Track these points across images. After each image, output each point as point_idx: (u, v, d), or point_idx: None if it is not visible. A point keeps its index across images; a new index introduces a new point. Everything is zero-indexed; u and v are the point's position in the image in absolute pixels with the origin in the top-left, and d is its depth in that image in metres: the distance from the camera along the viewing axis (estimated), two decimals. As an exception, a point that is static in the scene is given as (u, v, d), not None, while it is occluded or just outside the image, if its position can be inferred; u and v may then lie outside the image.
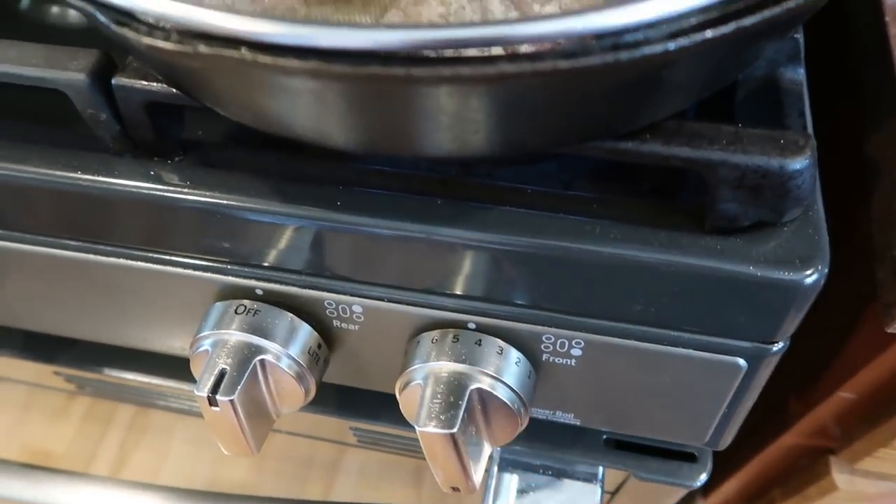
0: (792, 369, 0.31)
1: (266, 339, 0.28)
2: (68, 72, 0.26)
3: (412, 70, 0.16)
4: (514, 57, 0.16)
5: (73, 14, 0.39)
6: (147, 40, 0.16)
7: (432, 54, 0.16)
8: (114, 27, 0.17)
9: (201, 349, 0.29)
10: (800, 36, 0.28)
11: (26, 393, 0.65)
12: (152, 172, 0.28)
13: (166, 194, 0.27)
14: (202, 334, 0.29)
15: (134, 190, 0.27)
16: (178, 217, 0.28)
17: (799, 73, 0.28)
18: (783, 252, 0.25)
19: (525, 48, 0.16)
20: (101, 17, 0.17)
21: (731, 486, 0.56)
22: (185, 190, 0.27)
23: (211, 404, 0.27)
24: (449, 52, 0.16)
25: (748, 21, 0.16)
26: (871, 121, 0.34)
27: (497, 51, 0.16)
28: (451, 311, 0.28)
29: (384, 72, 0.16)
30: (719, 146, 0.23)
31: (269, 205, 0.27)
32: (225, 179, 0.27)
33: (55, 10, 0.39)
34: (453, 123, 0.19)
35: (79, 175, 0.28)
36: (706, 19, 0.16)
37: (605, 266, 0.25)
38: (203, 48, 0.16)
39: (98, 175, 0.28)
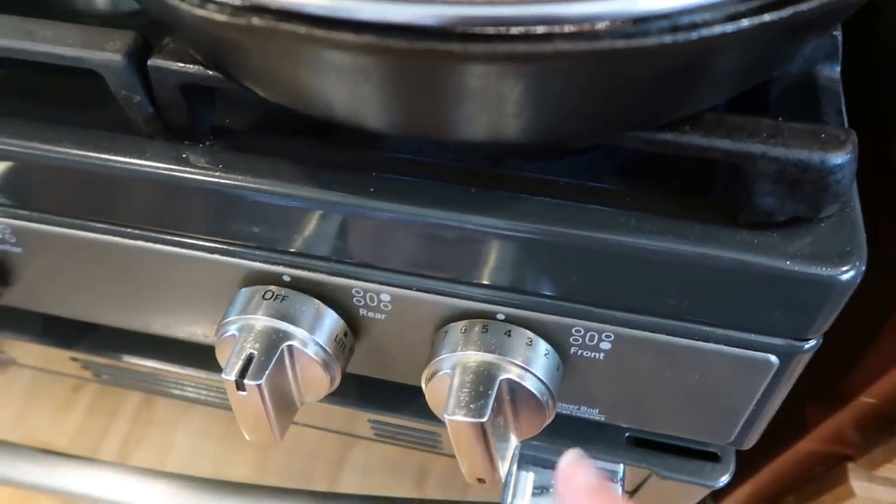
0: (811, 373, 0.31)
1: (294, 325, 0.28)
2: (105, 52, 0.26)
3: (469, 46, 0.15)
4: (570, 36, 0.16)
5: (100, 0, 0.39)
6: (200, 12, 0.16)
7: (489, 31, 0.16)
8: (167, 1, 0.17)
9: (228, 334, 0.29)
10: (838, 33, 0.28)
11: (30, 385, 0.65)
12: (183, 155, 0.28)
13: (197, 177, 0.27)
14: (229, 319, 0.29)
15: (164, 172, 0.27)
16: (207, 201, 0.28)
17: (836, 71, 0.28)
18: (820, 248, 0.25)
19: (576, 27, 0.16)
20: (154, -10, 0.17)
21: (743, 491, 0.55)
22: (217, 173, 0.27)
23: (238, 388, 0.27)
24: (504, 30, 0.16)
25: (805, 6, 0.16)
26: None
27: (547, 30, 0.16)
28: (480, 301, 0.28)
29: (440, 47, 0.15)
30: (760, 139, 0.23)
31: (302, 190, 0.27)
32: (256, 164, 0.27)
33: (83, -5, 0.39)
34: (498, 105, 0.19)
35: (110, 157, 0.28)
36: (763, 3, 0.16)
37: (639, 259, 0.25)
38: (257, 21, 0.16)
39: (129, 157, 0.28)
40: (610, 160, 0.30)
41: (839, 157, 0.23)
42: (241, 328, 0.28)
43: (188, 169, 0.27)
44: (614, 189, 0.27)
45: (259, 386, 0.26)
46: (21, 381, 0.65)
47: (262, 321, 0.28)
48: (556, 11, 0.16)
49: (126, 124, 0.28)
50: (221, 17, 0.16)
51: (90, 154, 0.28)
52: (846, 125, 0.27)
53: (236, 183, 0.27)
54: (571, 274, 0.27)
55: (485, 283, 0.28)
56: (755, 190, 0.24)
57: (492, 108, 0.18)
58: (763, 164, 0.23)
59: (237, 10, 0.16)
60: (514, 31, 0.16)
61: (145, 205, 0.29)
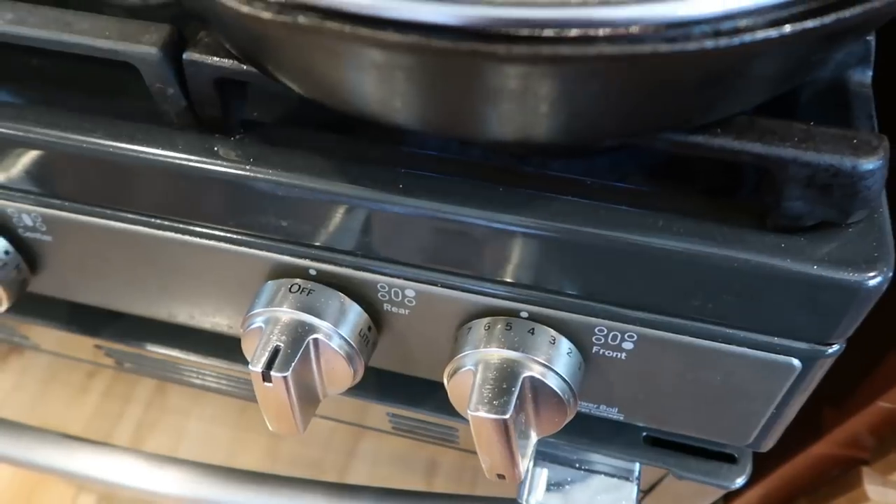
0: (828, 376, 0.31)
1: (319, 318, 0.28)
2: (140, 45, 0.26)
3: (513, 48, 0.16)
4: (614, 39, 0.16)
5: (129, -8, 0.39)
6: (246, 9, 0.17)
7: (533, 33, 0.16)
8: (213, -5, 0.17)
9: (254, 326, 0.29)
10: (871, 38, 0.28)
11: (46, 370, 0.65)
12: (215, 148, 0.28)
13: (227, 170, 0.27)
14: (255, 311, 0.29)
15: (195, 165, 0.28)
16: (237, 194, 0.28)
17: (867, 76, 0.28)
18: (848, 253, 0.25)
19: (621, 31, 0.16)
20: (200, -15, 0.17)
21: (755, 493, 0.55)
22: (247, 166, 0.27)
23: (265, 380, 0.27)
24: (547, 32, 0.16)
25: (848, 13, 0.16)
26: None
27: (596, 33, 0.16)
28: (505, 298, 0.28)
29: (485, 48, 0.16)
30: (791, 143, 0.23)
31: (331, 185, 0.27)
32: (286, 157, 0.28)
33: (112, -13, 0.40)
34: (536, 105, 0.19)
35: (142, 148, 0.28)
36: (806, 9, 0.16)
37: (666, 259, 0.25)
38: (302, 19, 0.16)
39: (161, 148, 0.28)
40: (636, 160, 0.30)
41: (871, 163, 0.23)
42: (268, 320, 0.29)
43: (219, 161, 0.28)
44: (640, 189, 0.27)
45: (285, 378, 0.27)
46: (37, 367, 0.66)
47: (288, 314, 0.28)
48: (600, 15, 0.16)
49: (156, 115, 0.28)
50: (267, 15, 0.16)
51: (123, 145, 0.28)
52: (877, 131, 0.27)
53: (266, 177, 0.27)
54: (596, 274, 0.27)
55: (509, 280, 0.28)
56: (785, 194, 0.24)
57: (530, 108, 0.19)
58: (794, 169, 0.23)
59: (283, 8, 0.16)
60: (557, 33, 0.16)
61: (175, 196, 0.29)
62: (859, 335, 0.29)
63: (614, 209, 0.26)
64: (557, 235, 0.26)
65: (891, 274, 0.25)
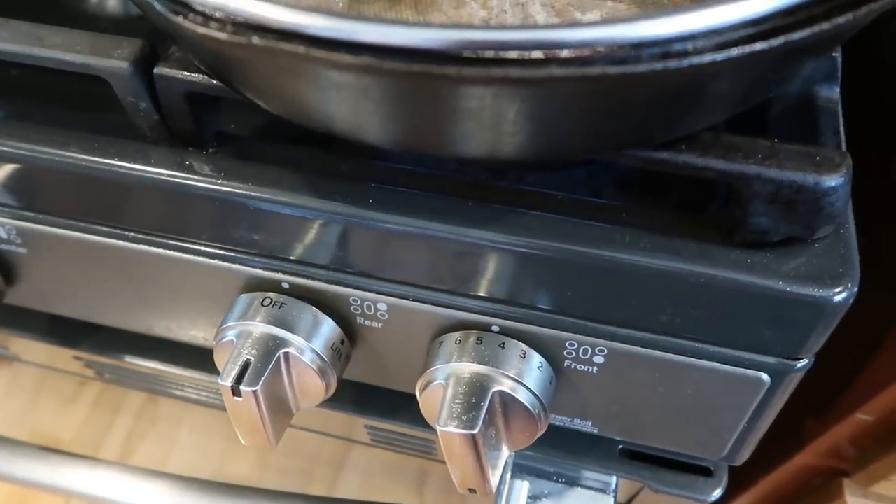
0: (809, 388, 0.31)
1: (291, 332, 0.29)
2: (111, 60, 0.26)
3: (464, 70, 0.16)
4: (563, 61, 0.16)
5: (111, 3, 0.40)
6: (202, 30, 0.17)
7: (484, 55, 0.16)
8: (170, 16, 0.17)
9: (226, 339, 0.29)
10: (838, 55, 0.28)
11: (36, 378, 0.65)
12: (187, 162, 0.28)
13: (200, 184, 0.28)
14: (227, 325, 0.29)
15: (168, 179, 0.28)
16: (210, 207, 0.28)
17: (835, 92, 0.28)
18: (813, 268, 0.25)
19: (571, 53, 0.16)
20: (157, 6, 0.17)
21: (738, 504, 0.55)
22: (219, 181, 0.28)
23: (234, 394, 0.27)
24: (499, 54, 0.16)
25: (797, 35, 0.17)
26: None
27: (542, 55, 0.16)
28: (476, 312, 0.29)
29: (436, 70, 0.16)
30: (755, 160, 0.23)
31: (302, 199, 0.27)
32: (258, 172, 0.28)
33: (93, -1, 0.40)
34: (494, 125, 0.19)
35: (115, 162, 0.28)
36: (755, 32, 0.17)
37: (633, 275, 0.25)
38: (256, 40, 0.16)
39: (134, 162, 0.28)
40: (609, 173, 0.30)
41: (834, 180, 0.23)
42: (239, 334, 0.29)
43: (191, 176, 0.28)
44: (612, 204, 0.27)
45: (255, 392, 0.27)
46: (28, 375, 0.66)
47: (259, 328, 0.28)
48: (550, 37, 0.16)
49: (131, 128, 0.28)
50: (223, 36, 0.16)
51: (96, 159, 0.28)
52: (844, 146, 0.27)
53: (238, 191, 0.27)
54: (567, 288, 0.27)
55: (481, 294, 0.28)
56: (750, 210, 0.24)
57: (488, 127, 0.19)
58: (758, 185, 0.23)
59: (238, 29, 0.16)
60: (509, 55, 0.16)
61: (148, 210, 0.30)
62: (838, 345, 0.29)
63: (584, 224, 0.26)
64: (527, 251, 0.26)
65: (856, 289, 0.25)
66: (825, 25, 0.17)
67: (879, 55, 0.37)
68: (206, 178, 0.28)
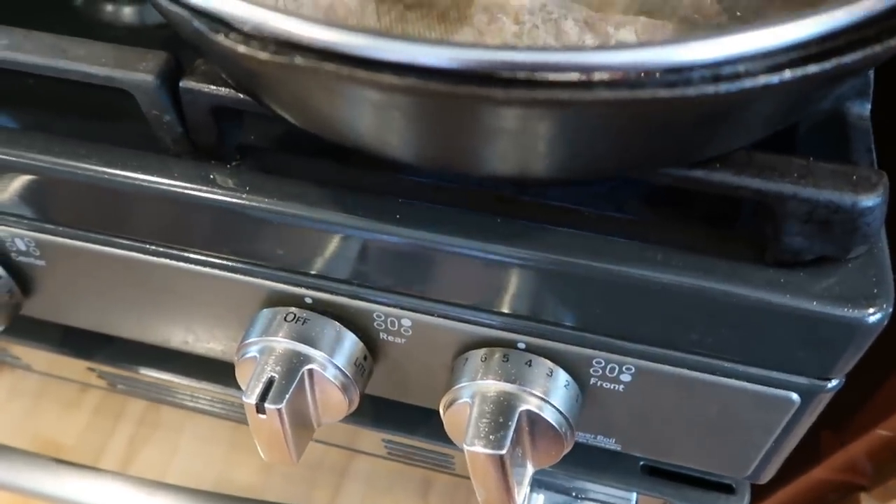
0: (829, 402, 0.30)
1: (314, 348, 0.28)
2: (137, 73, 0.26)
3: (510, 92, 0.15)
4: (612, 83, 0.16)
5: (126, 12, 0.39)
6: (242, 49, 0.16)
7: (529, 76, 0.16)
8: (209, 34, 0.17)
9: (248, 355, 0.29)
10: (870, 72, 0.28)
11: (38, 383, 0.65)
12: (211, 176, 0.28)
13: (224, 198, 0.27)
14: (249, 340, 0.29)
15: (191, 192, 0.27)
16: (233, 221, 0.28)
17: (866, 109, 0.28)
18: (847, 289, 0.24)
19: (621, 75, 0.16)
20: (195, 23, 0.17)
21: (753, 518, 0.55)
22: (243, 195, 0.27)
23: (258, 412, 0.27)
24: (545, 76, 0.16)
25: (849, 59, 0.16)
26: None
27: (594, 77, 0.16)
28: (501, 329, 0.28)
29: (482, 92, 0.15)
30: (790, 179, 0.23)
31: (326, 214, 0.27)
32: (282, 186, 0.27)
33: (109, 7, 0.40)
34: (531, 146, 0.19)
35: (137, 175, 0.28)
36: (806, 54, 0.16)
37: (664, 293, 0.25)
38: (300, 60, 0.16)
39: (157, 176, 0.28)
40: (633, 186, 0.30)
41: (871, 200, 0.23)
42: (262, 350, 0.28)
43: (215, 189, 0.27)
44: (638, 219, 0.27)
45: (279, 410, 0.26)
46: (29, 380, 0.65)
47: (282, 344, 0.28)
48: (599, 59, 0.16)
49: (152, 139, 0.28)
50: (265, 56, 0.16)
51: (118, 172, 0.28)
52: (876, 164, 0.27)
53: (262, 205, 0.27)
54: (594, 305, 0.27)
55: (506, 311, 0.28)
56: (784, 229, 0.24)
57: (527, 148, 0.18)
58: (793, 205, 0.23)
59: (281, 49, 0.16)
60: (555, 77, 0.16)
61: (170, 223, 0.29)
62: (861, 362, 0.29)
63: (612, 241, 0.26)
64: (554, 267, 0.26)
65: (891, 310, 0.24)
66: (877, 48, 0.16)
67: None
68: (229, 192, 0.27)
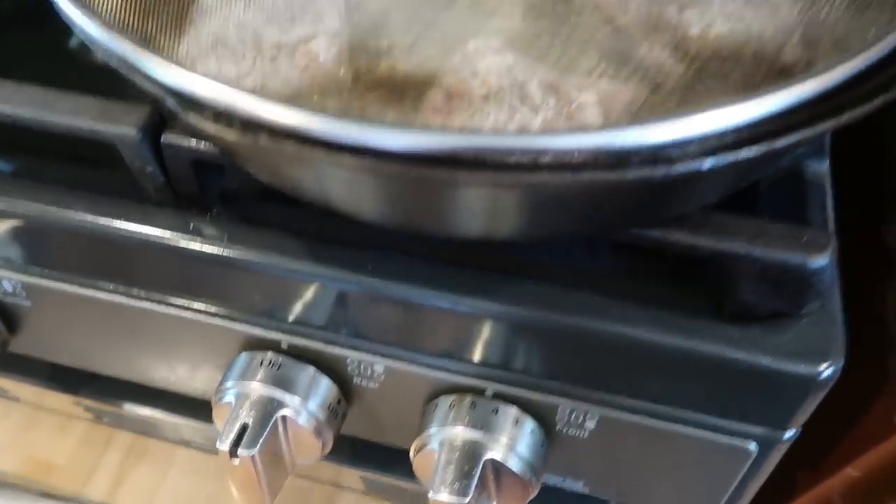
0: (802, 442, 0.31)
1: (288, 392, 0.29)
2: (120, 126, 0.27)
3: (457, 174, 0.17)
4: (554, 167, 0.17)
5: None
6: (212, 128, 0.17)
7: (476, 158, 0.17)
8: (181, 113, 0.18)
9: (224, 400, 0.29)
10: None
11: (25, 411, 0.65)
12: (191, 225, 0.29)
13: (203, 248, 0.28)
14: (226, 385, 0.30)
15: (172, 242, 0.28)
16: (212, 269, 0.29)
17: (823, 167, 0.29)
18: (800, 344, 0.25)
19: (561, 159, 0.17)
20: (168, 102, 0.18)
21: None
22: (222, 245, 0.28)
23: (232, 456, 0.27)
24: (490, 159, 0.17)
25: (780, 143, 0.17)
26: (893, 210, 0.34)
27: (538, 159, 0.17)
28: (470, 376, 0.29)
29: (433, 174, 0.16)
30: (743, 240, 0.24)
31: (303, 264, 0.28)
32: (260, 236, 0.28)
33: (102, 49, 0.41)
34: (489, 216, 0.20)
35: (121, 223, 0.29)
36: (738, 139, 0.17)
37: (624, 346, 0.26)
38: (264, 140, 0.17)
39: (139, 224, 0.29)
40: (603, 240, 0.31)
41: (819, 261, 0.24)
42: (238, 395, 0.29)
43: (194, 239, 0.28)
44: (605, 272, 0.28)
45: (252, 456, 0.27)
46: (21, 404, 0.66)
47: (257, 389, 0.29)
48: (541, 144, 0.17)
49: (136, 187, 0.29)
50: (231, 136, 0.17)
51: (102, 221, 0.29)
52: (832, 219, 0.28)
53: (240, 255, 0.28)
54: (560, 356, 0.28)
55: (475, 360, 0.28)
56: (738, 287, 0.25)
57: (481, 217, 0.20)
58: (746, 264, 0.24)
59: (246, 129, 0.17)
60: (502, 160, 0.17)
61: (152, 269, 0.30)
62: (833, 402, 0.29)
63: (577, 294, 0.27)
64: (520, 320, 0.27)
65: (841, 365, 0.25)
66: (808, 132, 0.17)
67: (869, 123, 0.38)
68: (208, 242, 0.28)
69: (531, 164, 0.17)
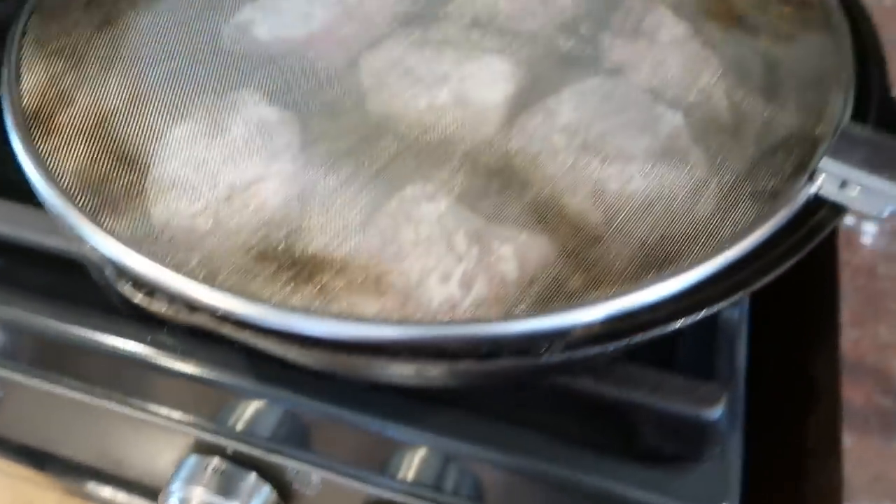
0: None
1: (228, 499, 0.31)
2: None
3: (372, 361, 0.19)
4: (463, 355, 0.19)
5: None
6: (141, 300, 0.20)
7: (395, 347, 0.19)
8: (116, 284, 0.20)
9: (169, 503, 0.31)
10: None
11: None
12: (149, 338, 0.31)
13: (157, 361, 0.31)
14: (172, 487, 0.32)
15: (133, 352, 0.31)
16: (166, 378, 0.31)
17: (734, 314, 0.31)
18: (698, 488, 0.27)
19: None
20: (107, 272, 0.21)
21: None
22: (176, 357, 0.31)
23: (172, 561, 0.29)
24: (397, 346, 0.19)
25: (639, 337, 0.20)
26: (814, 344, 0.36)
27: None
28: (401, 492, 0.31)
29: (349, 361, 0.19)
30: (643, 391, 0.26)
31: (249, 382, 0.30)
32: (211, 352, 0.31)
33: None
34: (405, 379, 0.22)
35: (88, 331, 0.32)
36: (603, 332, 0.20)
37: (542, 482, 0.28)
38: (184, 316, 0.19)
39: (104, 333, 0.31)
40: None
41: (712, 414, 0.26)
42: (182, 500, 0.31)
43: (151, 351, 0.31)
44: (532, 409, 0.29)
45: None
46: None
47: (200, 496, 0.31)
48: (456, 332, 0.19)
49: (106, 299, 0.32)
50: (169, 314, 0.20)
51: (72, 328, 0.32)
52: (741, 367, 0.30)
53: (192, 370, 0.30)
54: (484, 482, 0.30)
55: (408, 479, 0.30)
56: (640, 432, 0.27)
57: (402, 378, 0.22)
58: (645, 413, 0.26)
59: (179, 307, 0.20)
60: (415, 348, 0.19)
61: (114, 373, 0.33)
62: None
63: (498, 428, 0.29)
64: (444, 448, 0.29)
65: (736, 505, 0.27)
66: (664, 328, 0.20)
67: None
68: (163, 355, 0.31)
69: (445, 353, 0.19)
